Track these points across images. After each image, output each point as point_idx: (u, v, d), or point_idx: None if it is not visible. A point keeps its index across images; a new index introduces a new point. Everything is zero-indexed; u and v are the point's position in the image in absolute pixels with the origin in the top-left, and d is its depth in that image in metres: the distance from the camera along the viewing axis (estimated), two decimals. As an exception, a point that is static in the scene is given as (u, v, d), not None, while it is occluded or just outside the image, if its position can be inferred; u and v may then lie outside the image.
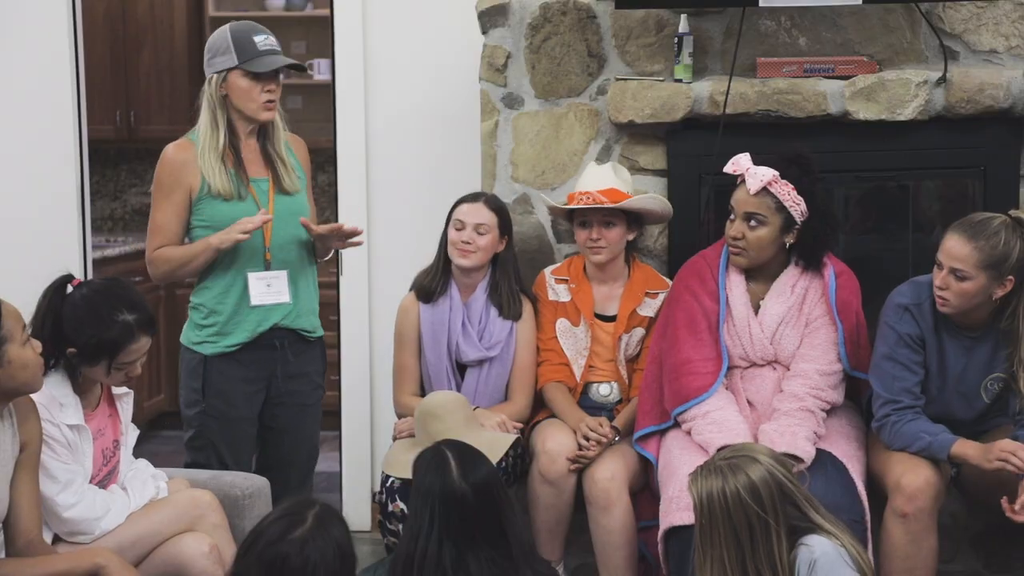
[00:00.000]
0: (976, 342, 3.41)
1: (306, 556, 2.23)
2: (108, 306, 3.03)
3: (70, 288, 3.06)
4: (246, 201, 3.62)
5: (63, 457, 3.01)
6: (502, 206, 3.84)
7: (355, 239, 3.74)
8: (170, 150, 3.66)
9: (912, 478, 3.29)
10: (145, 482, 3.22)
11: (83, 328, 3.01)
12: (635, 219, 3.82)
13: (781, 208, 3.50)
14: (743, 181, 3.53)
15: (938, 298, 3.32)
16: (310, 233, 3.68)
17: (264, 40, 3.60)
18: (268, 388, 3.72)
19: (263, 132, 3.69)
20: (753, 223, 3.52)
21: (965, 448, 3.28)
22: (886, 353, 3.42)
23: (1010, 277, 3.27)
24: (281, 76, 3.66)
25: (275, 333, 3.67)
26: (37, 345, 2.84)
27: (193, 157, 3.61)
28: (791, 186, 3.49)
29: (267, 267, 3.64)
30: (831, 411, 3.55)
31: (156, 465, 3.39)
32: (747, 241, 3.54)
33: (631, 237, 3.83)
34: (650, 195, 3.84)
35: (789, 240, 3.56)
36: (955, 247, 3.27)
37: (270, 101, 3.61)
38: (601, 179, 3.77)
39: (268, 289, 3.63)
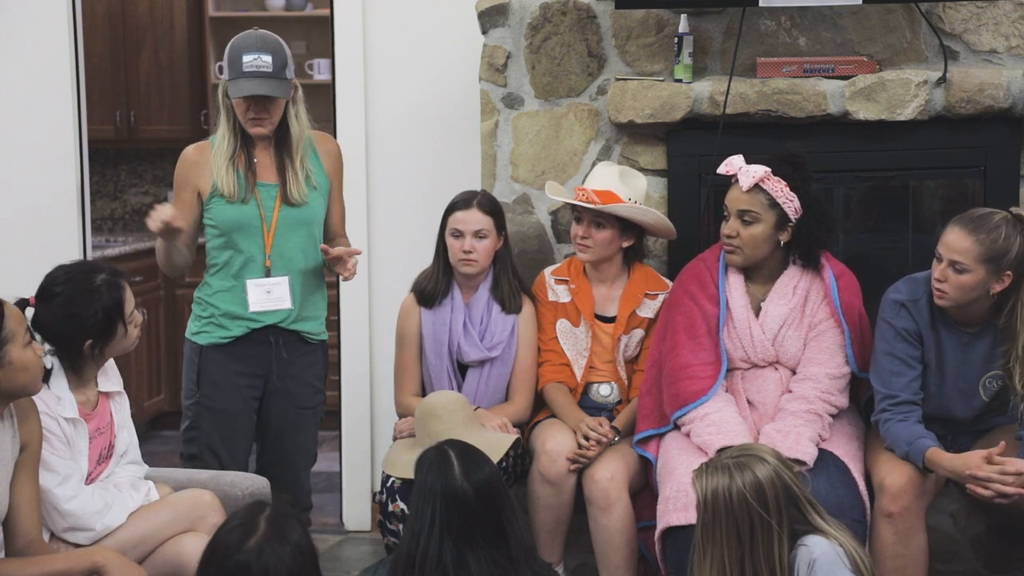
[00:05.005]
0: (974, 338, 3.41)
1: (264, 563, 2.24)
2: (85, 282, 3.08)
3: (30, 310, 3.03)
4: (249, 205, 3.64)
5: (60, 452, 3.01)
6: (495, 205, 3.84)
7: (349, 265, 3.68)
8: (187, 151, 3.73)
9: (895, 478, 3.29)
10: (135, 485, 3.22)
11: (83, 315, 3.05)
12: (630, 226, 3.79)
13: (774, 205, 3.50)
14: (736, 180, 3.53)
15: (936, 290, 3.33)
16: (327, 256, 3.66)
17: (252, 60, 3.55)
18: (266, 384, 3.74)
19: (281, 139, 3.67)
20: (747, 219, 3.52)
21: (939, 458, 3.26)
22: (884, 349, 3.43)
23: (1008, 272, 3.28)
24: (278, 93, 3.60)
25: (270, 331, 3.69)
26: (38, 347, 2.85)
27: (208, 158, 3.67)
28: (783, 183, 3.49)
29: (267, 274, 3.66)
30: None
31: (155, 465, 3.39)
32: (741, 239, 3.54)
33: (626, 244, 3.80)
34: (641, 207, 3.75)
35: (784, 238, 3.55)
36: (955, 240, 3.28)
37: (255, 119, 3.61)
38: (603, 180, 3.76)
39: (268, 296, 3.65)
